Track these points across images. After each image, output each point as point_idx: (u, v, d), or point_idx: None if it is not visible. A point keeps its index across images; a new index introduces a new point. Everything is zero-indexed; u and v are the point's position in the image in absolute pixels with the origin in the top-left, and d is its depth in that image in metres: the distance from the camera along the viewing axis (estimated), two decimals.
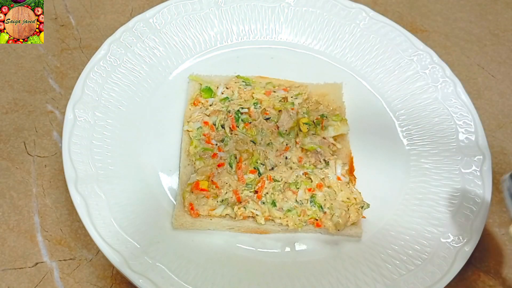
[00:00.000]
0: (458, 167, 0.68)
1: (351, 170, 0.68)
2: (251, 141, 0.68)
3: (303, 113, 0.71)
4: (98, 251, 0.63)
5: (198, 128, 0.70)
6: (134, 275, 0.55)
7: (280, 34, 0.83)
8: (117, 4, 0.91)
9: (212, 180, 0.64)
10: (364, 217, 0.64)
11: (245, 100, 0.73)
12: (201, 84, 0.74)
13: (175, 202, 0.64)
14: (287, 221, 0.62)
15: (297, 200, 0.63)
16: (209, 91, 0.73)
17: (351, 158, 0.69)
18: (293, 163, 0.67)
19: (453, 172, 0.68)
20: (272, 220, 0.63)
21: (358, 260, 0.61)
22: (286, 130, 0.70)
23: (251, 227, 0.63)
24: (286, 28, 0.83)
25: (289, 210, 0.63)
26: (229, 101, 0.73)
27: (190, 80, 0.75)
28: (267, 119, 0.71)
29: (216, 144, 0.68)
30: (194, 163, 0.67)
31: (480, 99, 0.83)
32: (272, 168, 0.66)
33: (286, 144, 0.69)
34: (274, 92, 0.74)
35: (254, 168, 0.66)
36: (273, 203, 0.63)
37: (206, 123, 0.70)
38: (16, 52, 0.83)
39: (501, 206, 0.71)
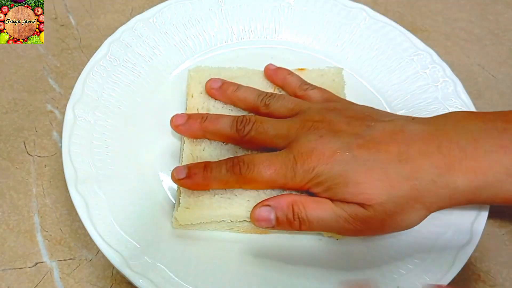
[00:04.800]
0: None
1: None
2: None
3: None
4: (98, 251, 0.63)
5: None
6: (134, 275, 0.55)
7: (280, 34, 0.83)
8: (117, 4, 0.91)
9: None
10: None
11: None
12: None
13: (175, 202, 0.64)
14: None
15: None
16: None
17: None
18: None
19: None
20: None
21: (358, 260, 0.61)
22: None
23: (250, 228, 0.63)
24: (286, 28, 0.83)
25: None
26: None
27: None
28: None
29: None
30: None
31: (480, 99, 0.83)
32: None
33: None
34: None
35: None
36: None
37: None
38: (16, 52, 0.83)
39: (501, 206, 0.71)
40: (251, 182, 0.54)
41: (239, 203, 0.61)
